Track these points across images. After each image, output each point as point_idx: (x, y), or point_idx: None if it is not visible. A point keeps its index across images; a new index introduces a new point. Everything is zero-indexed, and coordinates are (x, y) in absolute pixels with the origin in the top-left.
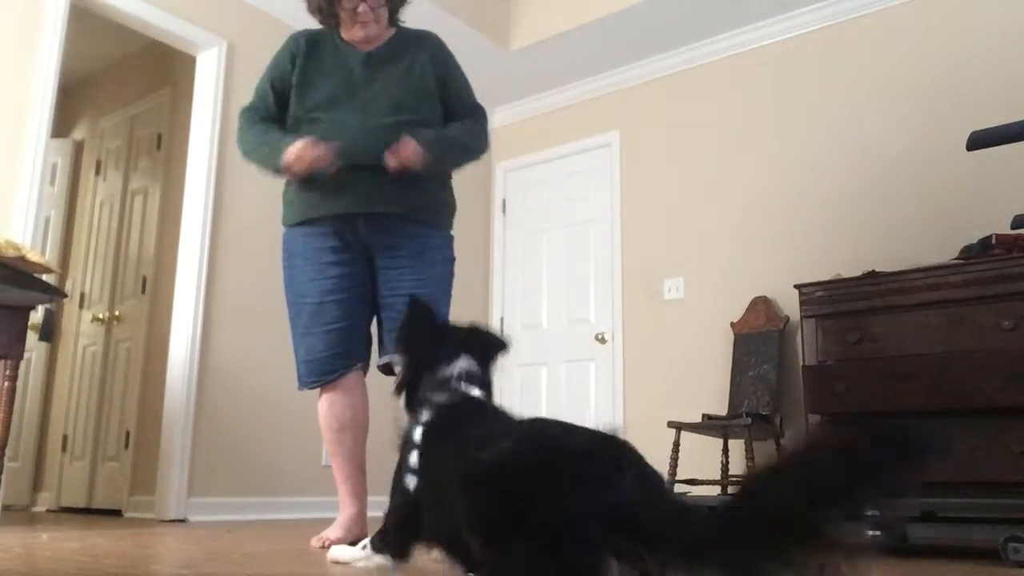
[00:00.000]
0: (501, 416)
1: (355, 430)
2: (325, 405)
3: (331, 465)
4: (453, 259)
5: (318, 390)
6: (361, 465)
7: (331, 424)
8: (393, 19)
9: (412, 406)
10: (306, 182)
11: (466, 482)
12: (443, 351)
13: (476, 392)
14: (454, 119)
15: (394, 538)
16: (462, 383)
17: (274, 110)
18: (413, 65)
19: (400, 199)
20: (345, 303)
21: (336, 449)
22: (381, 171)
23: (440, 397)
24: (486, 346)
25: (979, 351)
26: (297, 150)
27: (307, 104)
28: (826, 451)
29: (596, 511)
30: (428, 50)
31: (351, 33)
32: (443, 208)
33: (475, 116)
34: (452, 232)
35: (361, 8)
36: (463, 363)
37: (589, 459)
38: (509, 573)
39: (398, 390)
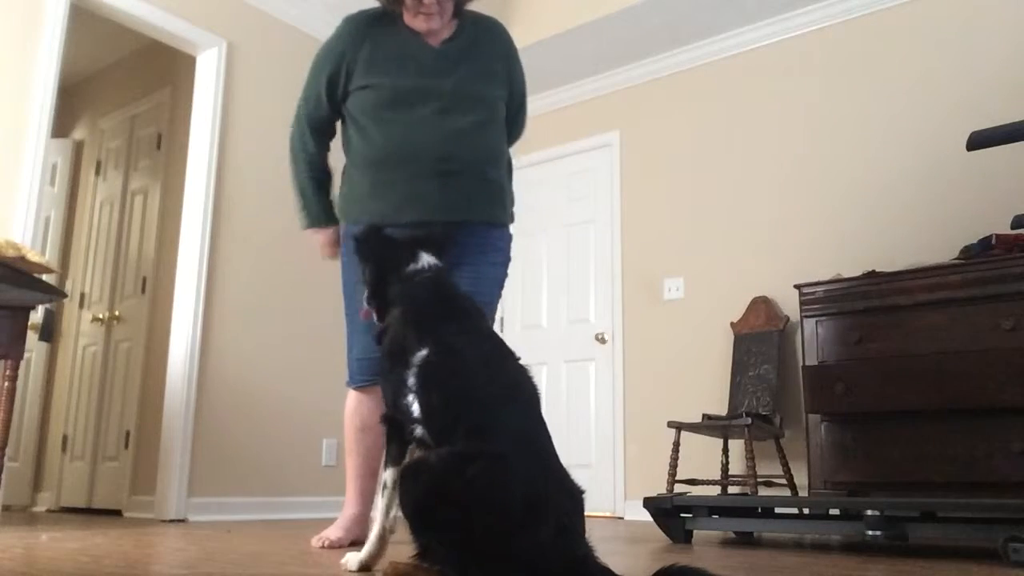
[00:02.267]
0: (464, 312)
1: (376, 433)
2: (353, 402)
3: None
4: (510, 259)
5: (350, 388)
6: (375, 468)
7: (355, 422)
8: (458, 12)
9: (381, 303)
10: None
11: (404, 476)
12: (403, 253)
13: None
14: (508, 114)
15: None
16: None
17: (328, 113)
18: (490, 62)
19: (482, 208)
20: None
21: (354, 447)
22: (461, 176)
23: (415, 279)
24: (437, 245)
25: (979, 351)
26: (316, 243)
27: (377, 101)
28: None
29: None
30: (503, 47)
31: (414, 23)
32: (509, 203)
33: (523, 120)
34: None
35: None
36: (426, 258)
37: (524, 504)
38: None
39: (370, 299)
